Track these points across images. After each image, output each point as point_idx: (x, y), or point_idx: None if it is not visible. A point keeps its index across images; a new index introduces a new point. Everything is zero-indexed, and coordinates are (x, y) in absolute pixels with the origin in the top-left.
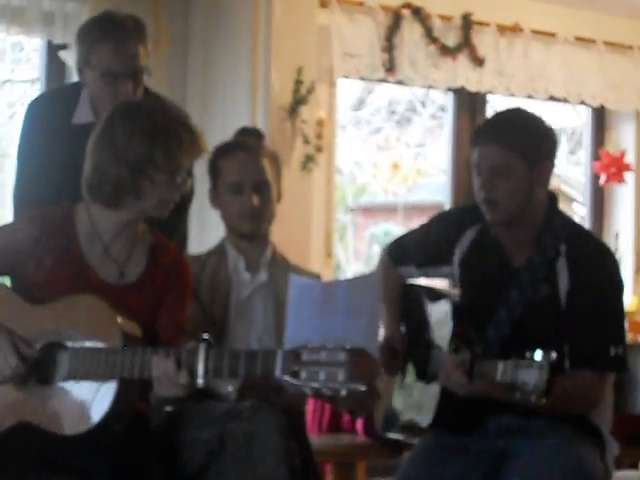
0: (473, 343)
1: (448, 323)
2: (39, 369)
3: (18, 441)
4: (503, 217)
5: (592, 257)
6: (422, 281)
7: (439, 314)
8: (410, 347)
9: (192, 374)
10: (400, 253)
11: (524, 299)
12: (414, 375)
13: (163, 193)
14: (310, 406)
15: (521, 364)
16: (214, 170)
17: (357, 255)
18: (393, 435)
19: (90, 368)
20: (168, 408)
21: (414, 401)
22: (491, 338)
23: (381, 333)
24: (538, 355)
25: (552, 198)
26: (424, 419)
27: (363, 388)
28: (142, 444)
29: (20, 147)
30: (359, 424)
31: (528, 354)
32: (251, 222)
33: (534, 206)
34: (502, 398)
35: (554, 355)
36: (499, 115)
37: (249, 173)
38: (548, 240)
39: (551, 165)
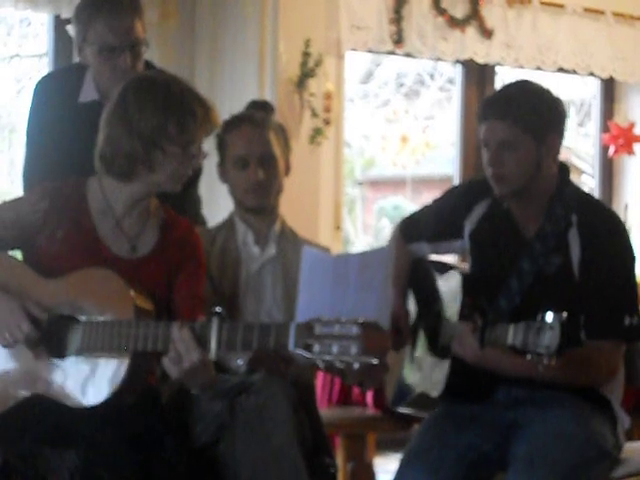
0: (484, 311)
1: (458, 295)
2: (52, 342)
3: (32, 413)
4: (510, 190)
5: (604, 227)
6: (432, 257)
7: (449, 287)
8: (420, 320)
9: (205, 347)
10: (412, 229)
11: (535, 269)
12: (425, 348)
13: (175, 166)
14: (320, 379)
15: (532, 326)
16: (221, 144)
17: (366, 228)
18: (404, 409)
19: (103, 341)
20: (194, 391)
21: (425, 374)
22: (503, 308)
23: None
24: (549, 317)
25: (563, 169)
26: (435, 391)
27: (375, 361)
28: (154, 416)
29: (29, 125)
30: (369, 397)
31: (539, 316)
32: (256, 196)
33: (544, 178)
34: (512, 366)
35: (565, 316)
36: (505, 89)
37: (254, 147)
38: (559, 210)
39: (560, 137)
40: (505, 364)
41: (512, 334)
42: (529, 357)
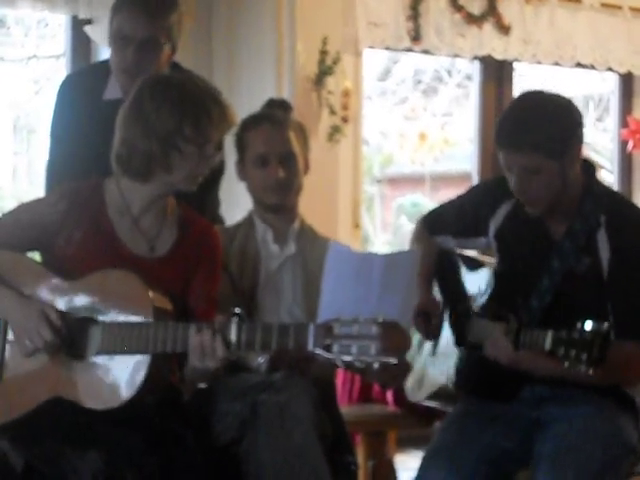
0: (516, 310)
1: (487, 291)
2: (72, 344)
3: (52, 416)
4: (543, 209)
5: (632, 227)
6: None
7: (478, 282)
8: (445, 312)
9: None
10: (436, 223)
11: (566, 268)
12: (452, 341)
13: (192, 166)
14: (340, 377)
15: (573, 334)
16: (240, 143)
17: (385, 226)
18: (428, 402)
19: (122, 342)
20: (202, 385)
21: (446, 367)
22: (534, 307)
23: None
24: (589, 325)
25: (588, 166)
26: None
27: (395, 361)
28: (175, 416)
29: (52, 125)
30: (390, 394)
31: (579, 324)
32: (277, 194)
33: (571, 183)
34: (547, 369)
35: (606, 325)
36: (515, 113)
37: (274, 145)
38: (589, 207)
39: (580, 143)
40: (540, 367)
41: (551, 340)
42: (567, 364)
